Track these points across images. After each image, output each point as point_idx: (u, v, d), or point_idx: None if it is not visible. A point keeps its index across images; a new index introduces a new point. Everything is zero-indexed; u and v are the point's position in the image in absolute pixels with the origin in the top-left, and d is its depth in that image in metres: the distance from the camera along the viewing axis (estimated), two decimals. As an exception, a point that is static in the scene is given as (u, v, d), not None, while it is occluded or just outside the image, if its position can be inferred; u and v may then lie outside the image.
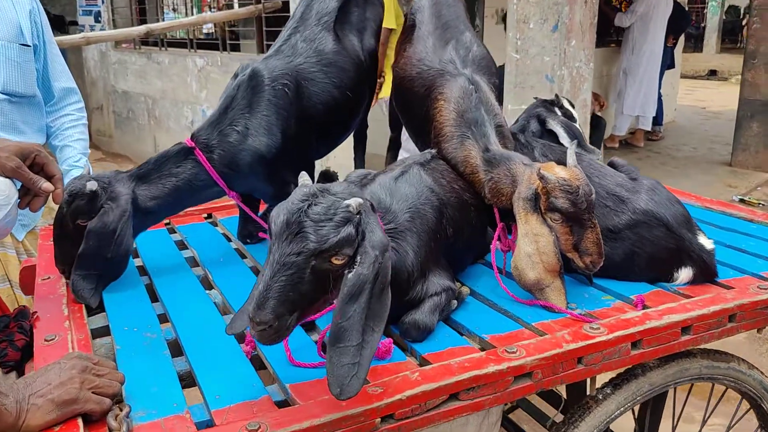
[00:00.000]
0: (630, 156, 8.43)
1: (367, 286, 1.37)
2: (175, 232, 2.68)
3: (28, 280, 2.29)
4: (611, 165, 2.25)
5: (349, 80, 2.44)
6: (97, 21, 9.54)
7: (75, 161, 2.74)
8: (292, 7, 5.96)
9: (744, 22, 20.05)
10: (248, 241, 2.47)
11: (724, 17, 20.29)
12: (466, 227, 1.99)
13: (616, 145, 8.87)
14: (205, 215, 2.87)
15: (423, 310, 1.72)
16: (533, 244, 1.84)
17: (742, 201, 6.92)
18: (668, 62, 9.25)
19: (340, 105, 2.42)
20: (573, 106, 2.74)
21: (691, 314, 1.78)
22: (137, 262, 2.36)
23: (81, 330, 1.83)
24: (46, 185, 1.82)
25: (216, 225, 2.78)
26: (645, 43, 8.40)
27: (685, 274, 2.02)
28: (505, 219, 2.06)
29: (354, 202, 1.38)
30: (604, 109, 8.26)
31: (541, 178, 1.81)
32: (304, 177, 1.46)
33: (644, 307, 1.89)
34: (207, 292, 2.11)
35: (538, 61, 4.62)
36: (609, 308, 1.90)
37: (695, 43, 18.84)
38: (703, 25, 19.68)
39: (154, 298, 2.11)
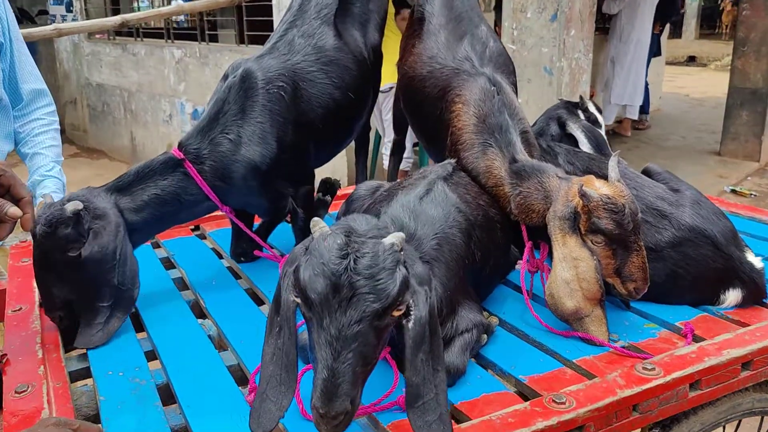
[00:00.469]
0: (619, 146, 8.27)
1: (427, 328, 1.19)
2: (160, 248, 2.43)
3: (-2, 306, 2.03)
4: (646, 172, 2.05)
5: (352, 80, 2.20)
6: (68, 11, 9.14)
7: (47, 170, 2.47)
8: (274, -5, 5.71)
9: (721, 8, 20.05)
10: (242, 259, 2.24)
11: (702, 3, 20.26)
12: (493, 249, 1.77)
13: (628, 134, 8.70)
14: (192, 227, 2.62)
15: (453, 351, 1.50)
16: (572, 269, 1.63)
17: (733, 192, 6.81)
18: (654, 50, 9.10)
19: (341, 107, 2.17)
20: (600, 111, 2.53)
21: (752, 347, 1.58)
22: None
23: (58, 375, 1.59)
24: (13, 210, 1.55)
25: (204, 238, 2.54)
26: (633, 31, 8.23)
27: (733, 296, 1.83)
28: (532, 237, 1.85)
29: (396, 239, 1.17)
30: (593, 99, 8.10)
31: (583, 195, 1.60)
32: (319, 224, 1.22)
33: (694, 337, 1.70)
34: (200, 322, 1.88)
35: (536, 53, 4.41)
36: (655, 339, 1.70)
37: (674, 30, 18.79)
38: (683, 11, 19.62)
39: (139, 327, 1.88)
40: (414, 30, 2.30)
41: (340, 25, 2.23)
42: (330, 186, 2.51)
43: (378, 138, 6.03)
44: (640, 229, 1.62)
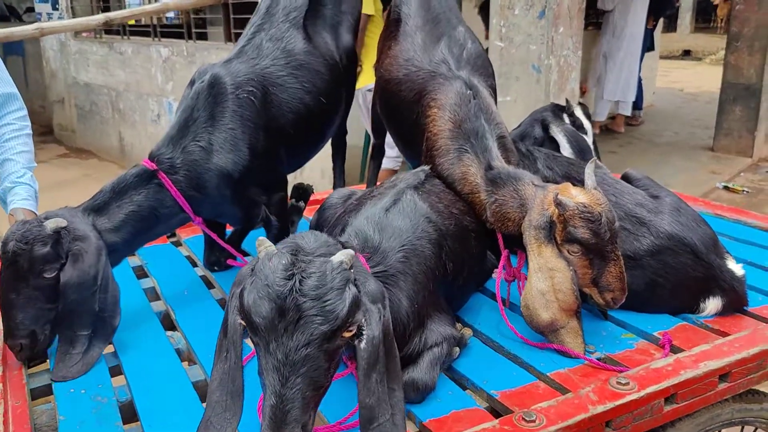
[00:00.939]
0: (611, 143, 8.22)
1: (381, 348, 1.15)
2: (134, 255, 2.38)
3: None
4: (625, 178, 2.00)
5: (323, 84, 2.15)
6: (54, 8, 9.03)
7: (18, 177, 2.40)
8: (261, -7, 5.62)
9: (715, 2, 19.96)
10: (215, 268, 2.19)
11: (697, -4, 20.16)
12: (467, 259, 1.73)
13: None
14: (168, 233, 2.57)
15: (421, 367, 1.46)
16: (548, 280, 1.58)
17: (726, 188, 6.76)
18: (648, 45, 9.03)
19: (313, 113, 2.12)
20: (588, 116, 2.47)
21: (730, 359, 1.54)
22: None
23: (18, 393, 1.55)
24: None
25: (180, 245, 2.49)
26: (626, 26, 8.13)
27: (713, 304, 1.79)
28: (509, 245, 1.80)
29: (345, 256, 1.12)
30: (586, 95, 8.02)
31: (558, 204, 1.55)
32: (264, 244, 1.17)
33: (672, 348, 1.65)
34: (169, 334, 1.84)
35: (524, 50, 4.35)
36: (632, 350, 1.66)
37: (669, 23, 18.70)
38: (678, 4, 19.53)
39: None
40: (390, 31, 2.24)
41: (310, 28, 2.18)
42: (303, 191, 2.46)
43: (368, 138, 5.97)
44: (618, 238, 1.58)
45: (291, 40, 2.08)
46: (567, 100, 2.55)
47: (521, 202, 1.69)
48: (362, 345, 1.13)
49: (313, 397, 1.08)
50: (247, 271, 1.15)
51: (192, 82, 1.93)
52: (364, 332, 1.13)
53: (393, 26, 2.24)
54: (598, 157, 2.33)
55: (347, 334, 1.11)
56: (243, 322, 1.13)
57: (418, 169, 1.83)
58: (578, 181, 1.96)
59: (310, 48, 2.12)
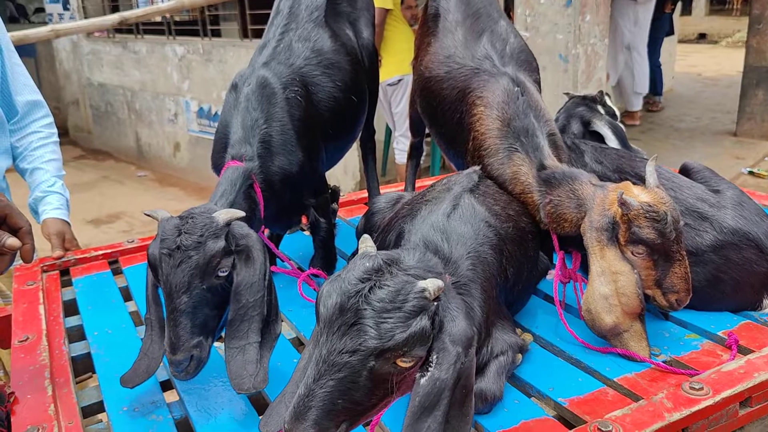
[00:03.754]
0: (632, 130, 8.12)
1: (446, 394, 1.05)
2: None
3: (3, 332, 1.96)
4: (684, 170, 1.94)
5: (351, 82, 2.13)
6: (65, 8, 9.02)
7: (49, 186, 2.37)
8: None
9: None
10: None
11: (710, -22, 19.92)
12: (524, 262, 1.68)
13: (638, 122, 8.43)
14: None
15: (488, 377, 1.41)
16: (611, 284, 1.53)
17: (751, 173, 6.66)
18: (667, 29, 8.90)
19: (346, 110, 2.11)
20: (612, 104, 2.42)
21: (804, 359, 1.49)
22: (129, 306, 2.03)
23: (70, 413, 1.51)
24: (11, 241, 1.45)
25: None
26: (647, 15, 7.96)
27: (777, 301, 1.73)
28: (563, 245, 1.75)
29: (432, 285, 1.05)
30: (607, 84, 7.91)
31: (622, 204, 1.50)
32: (366, 242, 1.13)
33: (739, 348, 1.60)
34: (216, 346, 1.80)
35: (551, 40, 4.28)
36: (698, 352, 1.61)
37: (684, 6, 18.49)
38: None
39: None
40: (428, 27, 2.19)
41: (333, 26, 2.16)
42: (332, 193, 2.43)
43: (388, 132, 5.93)
44: (682, 238, 1.53)
45: (318, 40, 2.06)
46: (601, 91, 2.49)
47: (578, 202, 1.64)
48: (423, 381, 1.06)
49: (345, 409, 1.03)
50: (347, 265, 1.13)
51: (235, 86, 1.89)
52: (430, 370, 1.07)
53: (431, 22, 2.19)
54: (629, 146, 2.28)
55: (402, 364, 1.04)
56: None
57: (470, 170, 1.78)
58: (630, 175, 1.91)
59: (337, 46, 2.11)
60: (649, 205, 1.48)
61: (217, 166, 1.97)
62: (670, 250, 1.51)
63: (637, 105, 8.28)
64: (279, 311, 1.56)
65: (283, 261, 2.06)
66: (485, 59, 1.96)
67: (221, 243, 1.43)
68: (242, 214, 1.50)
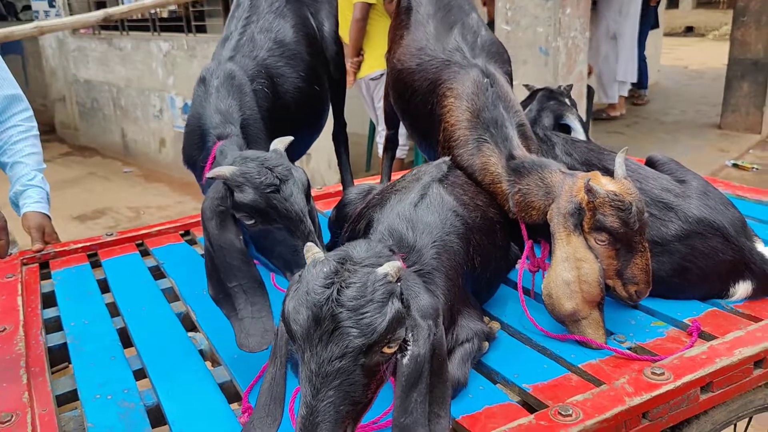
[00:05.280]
0: (617, 123, 8.16)
1: (426, 367, 1.09)
2: (149, 256, 2.36)
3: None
4: (650, 162, 1.96)
5: (314, 72, 2.16)
6: (51, 6, 8.97)
7: (29, 179, 2.38)
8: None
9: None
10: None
11: (698, -29, 19.95)
12: (493, 251, 1.70)
13: (620, 113, 8.44)
14: (182, 232, 2.54)
15: (453, 363, 1.43)
16: (574, 270, 1.55)
17: (735, 166, 6.71)
18: (652, 22, 8.92)
19: (310, 101, 2.14)
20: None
21: (765, 345, 1.51)
22: (107, 298, 2.04)
23: (44, 401, 1.53)
24: None
25: (194, 244, 2.46)
26: (632, 4, 7.97)
27: (743, 288, 1.76)
28: (532, 235, 1.77)
29: (391, 268, 1.08)
30: (591, 76, 7.94)
31: (588, 190, 1.52)
32: (312, 250, 1.14)
33: (700, 334, 1.63)
34: (190, 335, 1.81)
35: (531, 33, 4.30)
36: (663, 339, 1.63)
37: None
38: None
39: (127, 342, 1.81)
40: (401, 20, 2.20)
41: (294, 17, 2.16)
42: None
43: (372, 127, 5.94)
44: (645, 230, 1.55)
45: (280, 31, 2.08)
46: (570, 85, 2.51)
47: (547, 190, 1.66)
48: (405, 361, 1.09)
49: (349, 413, 1.05)
50: (296, 277, 1.12)
51: (203, 79, 1.90)
52: (409, 348, 1.09)
53: (404, 15, 2.20)
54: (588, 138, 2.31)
55: (388, 350, 1.07)
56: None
57: (440, 161, 1.80)
58: (597, 167, 1.94)
59: (299, 37, 2.13)
60: (615, 194, 1.50)
61: (191, 160, 1.98)
62: (632, 241, 1.53)
63: (620, 92, 8.27)
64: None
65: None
66: (456, 51, 1.98)
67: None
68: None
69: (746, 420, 1.84)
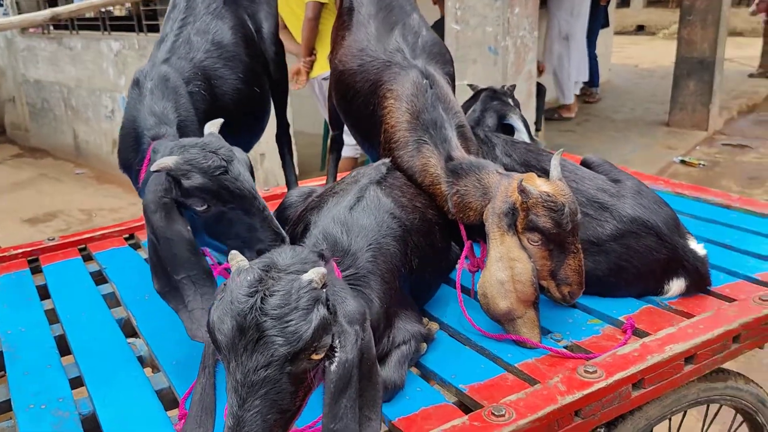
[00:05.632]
0: (569, 122, 8.28)
1: (355, 372, 1.09)
2: (92, 260, 2.31)
3: None
4: (585, 164, 1.99)
5: (253, 74, 2.14)
6: (-1, 4, 8.74)
7: None
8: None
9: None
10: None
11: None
12: (431, 253, 1.70)
13: (573, 115, 8.55)
14: (126, 236, 2.50)
15: (390, 366, 1.44)
16: (508, 269, 1.57)
17: (683, 162, 6.87)
18: (602, 21, 9.07)
19: (250, 103, 2.12)
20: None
21: (695, 341, 1.55)
22: (46, 304, 2.00)
23: (-26, 412, 1.48)
24: None
25: (138, 248, 2.42)
26: (583, 4, 8.09)
27: (677, 285, 1.80)
28: (472, 235, 1.79)
29: (316, 274, 1.07)
30: (541, 75, 8.03)
31: (522, 191, 1.54)
32: (236, 258, 1.13)
33: (635, 331, 1.66)
34: (130, 341, 1.78)
35: (480, 33, 4.33)
36: (599, 336, 1.66)
37: (622, -1, 18.83)
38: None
39: (65, 349, 1.77)
40: (343, 21, 2.20)
41: (231, 18, 2.15)
42: None
43: (326, 126, 5.92)
44: (578, 232, 1.57)
45: (218, 32, 2.06)
46: (513, 85, 2.54)
47: (484, 191, 1.67)
48: (332, 368, 1.09)
49: (277, 421, 1.04)
50: (222, 287, 1.11)
51: (137, 81, 1.87)
52: (336, 354, 1.09)
53: (346, 15, 2.20)
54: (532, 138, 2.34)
55: (315, 357, 1.06)
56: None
57: (379, 162, 1.80)
58: (536, 168, 1.96)
59: (237, 39, 2.11)
60: (548, 195, 1.52)
61: (127, 163, 1.94)
62: (565, 242, 1.55)
63: (570, 96, 8.39)
64: None
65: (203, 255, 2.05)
66: (396, 52, 1.98)
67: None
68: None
69: (681, 414, 1.88)
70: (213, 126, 1.63)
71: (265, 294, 1.03)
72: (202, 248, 2.07)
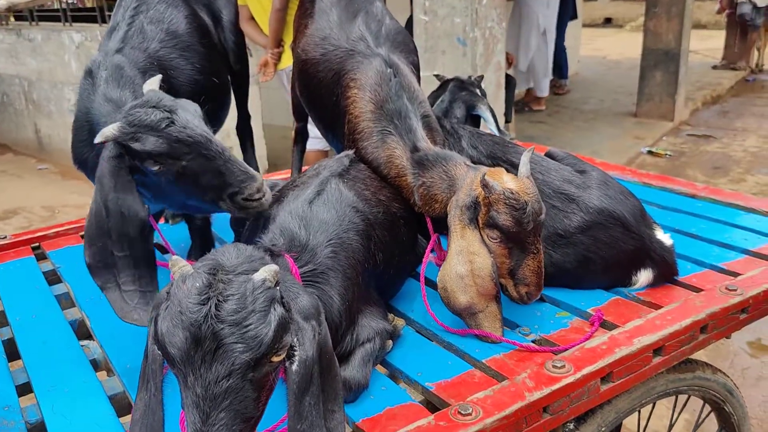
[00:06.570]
0: (539, 113, 8.31)
1: (316, 369, 1.05)
2: (46, 259, 2.22)
3: None
4: (549, 156, 1.96)
5: (210, 64, 2.08)
6: (-47, -6, 8.47)
7: None
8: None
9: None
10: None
11: (615, -36, 20.47)
12: (396, 248, 1.66)
13: (544, 107, 8.54)
14: (83, 233, 2.40)
15: (353, 365, 1.39)
16: (467, 264, 1.52)
17: (650, 153, 6.92)
18: (570, 13, 9.09)
19: (208, 93, 2.04)
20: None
21: (663, 333, 1.53)
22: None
23: None
24: None
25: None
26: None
27: (644, 276, 1.78)
28: (439, 229, 1.75)
29: (268, 273, 1.01)
30: (512, 67, 8.03)
31: (485, 186, 1.50)
32: (178, 263, 1.05)
33: (602, 323, 1.63)
34: (83, 344, 1.71)
35: (449, 23, 4.29)
36: (567, 329, 1.63)
37: (590, -9, 18.93)
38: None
39: (13, 353, 1.69)
40: (305, 9, 2.13)
41: (186, 6, 2.07)
42: None
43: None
44: (540, 231, 1.53)
45: (173, 21, 1.98)
46: (481, 76, 2.50)
47: (450, 183, 1.63)
48: (294, 367, 1.04)
49: (242, 431, 0.99)
50: (163, 294, 1.04)
51: (89, 72, 1.79)
52: (296, 353, 1.04)
53: (308, 3, 2.14)
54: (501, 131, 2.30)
55: (276, 359, 1.01)
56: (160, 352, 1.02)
57: (342, 154, 1.74)
58: (502, 160, 1.93)
59: (192, 28, 2.04)
60: (512, 192, 1.48)
61: (81, 158, 1.86)
62: (525, 242, 1.51)
63: (546, 89, 8.42)
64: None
65: (168, 252, 1.98)
66: (360, 40, 1.93)
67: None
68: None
69: (650, 406, 1.87)
70: (152, 83, 1.55)
71: (218, 300, 0.97)
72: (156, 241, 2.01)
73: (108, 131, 1.43)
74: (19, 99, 8.17)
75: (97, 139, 1.45)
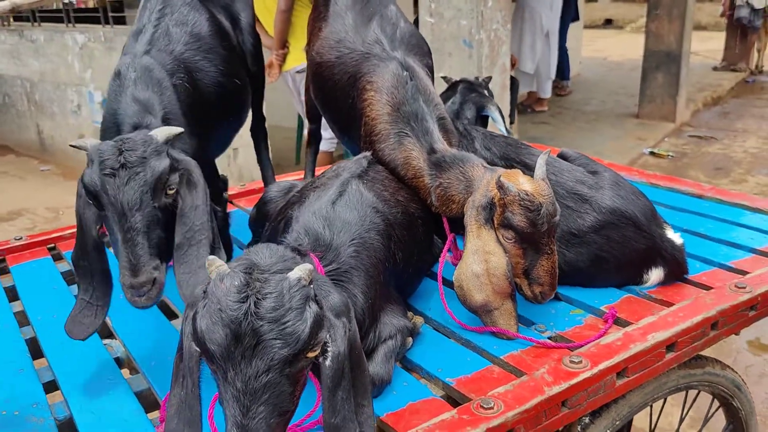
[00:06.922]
0: (542, 114, 8.35)
1: (347, 364, 1.09)
2: (62, 260, 2.25)
3: None
4: (562, 157, 2.00)
5: (231, 66, 2.10)
6: (-44, -4, 8.49)
7: None
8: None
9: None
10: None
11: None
12: (414, 247, 1.69)
13: (546, 108, 8.58)
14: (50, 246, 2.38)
15: (376, 361, 1.42)
16: (483, 263, 1.56)
17: (652, 153, 6.97)
18: (573, 14, 9.13)
19: (230, 95, 2.08)
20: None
21: (676, 329, 1.57)
22: (15, 306, 1.94)
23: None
24: None
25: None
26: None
27: (655, 275, 1.82)
28: (455, 229, 1.78)
29: (303, 271, 1.05)
30: (516, 68, 8.06)
31: (500, 187, 1.53)
32: (215, 263, 1.09)
33: (616, 320, 1.67)
34: (105, 342, 1.74)
35: (455, 26, 4.33)
36: (582, 327, 1.67)
37: (591, -8, 18.98)
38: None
39: (36, 352, 1.72)
40: (320, 12, 2.17)
41: (208, 9, 2.12)
42: (222, 183, 2.38)
43: (301, 120, 5.87)
44: (555, 232, 1.57)
45: (196, 24, 2.01)
46: (489, 77, 2.54)
47: (467, 184, 1.67)
48: (327, 363, 1.08)
49: (279, 424, 1.02)
50: (200, 292, 1.08)
51: (118, 73, 1.81)
52: (329, 349, 1.08)
53: (322, 6, 2.17)
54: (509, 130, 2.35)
55: (311, 354, 1.05)
56: (198, 349, 1.06)
57: (360, 156, 1.78)
58: (515, 162, 1.96)
59: (214, 30, 2.07)
60: (527, 194, 1.51)
61: None
62: (539, 242, 1.54)
63: (548, 91, 8.46)
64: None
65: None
66: (375, 44, 1.96)
67: (166, 159, 1.43)
68: (180, 130, 1.48)
69: (662, 401, 1.90)
70: (162, 132, 1.51)
71: (257, 298, 1.01)
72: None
73: (82, 142, 1.48)
74: (22, 100, 8.19)
75: (72, 143, 1.50)
